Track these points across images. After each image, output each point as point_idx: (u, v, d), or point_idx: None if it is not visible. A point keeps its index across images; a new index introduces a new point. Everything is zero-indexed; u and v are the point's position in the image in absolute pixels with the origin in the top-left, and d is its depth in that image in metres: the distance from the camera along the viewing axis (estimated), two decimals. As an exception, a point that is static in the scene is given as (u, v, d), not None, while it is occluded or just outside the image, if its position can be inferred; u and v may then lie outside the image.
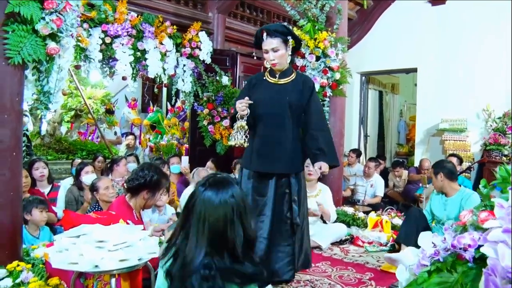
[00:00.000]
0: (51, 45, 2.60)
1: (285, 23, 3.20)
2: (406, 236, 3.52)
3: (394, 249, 3.89)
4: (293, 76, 3.07)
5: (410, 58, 7.57)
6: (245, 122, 2.88)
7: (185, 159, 5.55)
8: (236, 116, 2.90)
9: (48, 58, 2.67)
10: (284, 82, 3.05)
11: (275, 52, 2.93)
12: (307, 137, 3.06)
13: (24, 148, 3.20)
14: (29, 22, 2.48)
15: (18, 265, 2.47)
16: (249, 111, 2.89)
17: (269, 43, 2.93)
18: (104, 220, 2.24)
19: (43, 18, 2.53)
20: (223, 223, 1.48)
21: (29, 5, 2.43)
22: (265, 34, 2.93)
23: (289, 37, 2.97)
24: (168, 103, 8.69)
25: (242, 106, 2.86)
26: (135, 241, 1.91)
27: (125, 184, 2.85)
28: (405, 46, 7.59)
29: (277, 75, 3.07)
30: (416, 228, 3.37)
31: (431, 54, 7.28)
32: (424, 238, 1.76)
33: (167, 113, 8.58)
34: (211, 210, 1.48)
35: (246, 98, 2.92)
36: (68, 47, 2.81)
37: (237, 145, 2.91)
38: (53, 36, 2.62)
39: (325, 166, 2.93)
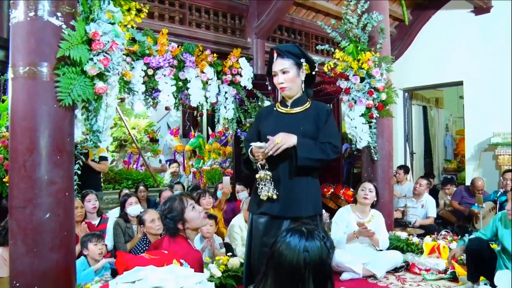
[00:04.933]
0: (99, 84, 2.62)
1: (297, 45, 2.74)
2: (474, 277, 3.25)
3: (455, 277, 3.68)
4: (307, 105, 2.67)
5: (455, 71, 7.34)
6: (268, 172, 2.50)
7: (226, 179, 5.49)
8: (257, 165, 2.52)
9: (96, 97, 2.70)
10: (297, 111, 2.65)
11: (284, 74, 2.58)
12: None
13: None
14: (78, 64, 2.52)
15: (73, 306, 2.47)
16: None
17: (279, 64, 2.59)
18: (157, 261, 2.20)
19: (91, 59, 2.56)
20: (293, 273, 1.41)
21: (78, 48, 2.47)
22: (275, 55, 2.62)
23: (302, 60, 2.62)
24: (209, 128, 8.75)
25: (260, 155, 2.48)
26: (192, 286, 1.85)
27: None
28: (449, 59, 7.38)
29: (289, 104, 2.68)
30: (481, 266, 3.11)
31: (477, 65, 7.03)
32: (502, 278, 1.62)
33: (208, 138, 8.63)
34: (285, 257, 1.43)
35: (258, 143, 2.50)
36: (115, 85, 2.84)
37: (266, 198, 2.51)
38: (101, 76, 2.65)
39: (285, 138, 2.44)
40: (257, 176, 2.53)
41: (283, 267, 1.42)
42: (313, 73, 2.70)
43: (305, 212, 2.54)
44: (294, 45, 2.74)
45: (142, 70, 4.22)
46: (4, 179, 3.74)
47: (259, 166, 2.52)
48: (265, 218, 2.58)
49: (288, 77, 2.59)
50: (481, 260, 3.13)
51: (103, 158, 5.23)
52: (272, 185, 2.51)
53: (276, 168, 2.56)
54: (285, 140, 2.45)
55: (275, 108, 2.75)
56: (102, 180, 6.28)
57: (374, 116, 4.45)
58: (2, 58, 4.10)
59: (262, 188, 2.52)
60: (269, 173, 2.50)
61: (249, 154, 2.58)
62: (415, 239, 4.46)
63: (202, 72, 4.65)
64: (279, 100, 2.83)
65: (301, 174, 2.55)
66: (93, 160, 5.00)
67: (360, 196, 4.03)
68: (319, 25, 4.70)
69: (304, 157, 2.48)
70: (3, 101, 3.93)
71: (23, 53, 2.47)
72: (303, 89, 2.68)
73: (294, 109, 2.66)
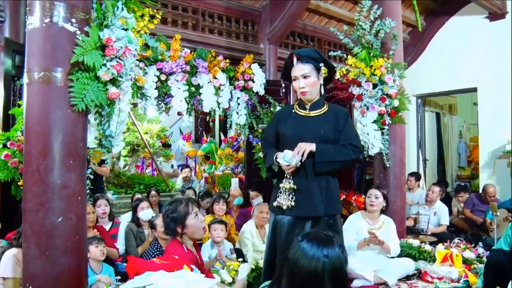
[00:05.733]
0: (112, 90, 2.65)
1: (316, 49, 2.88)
2: None
3: (468, 286, 3.63)
4: (325, 108, 2.78)
5: (468, 77, 7.27)
6: (294, 185, 2.64)
7: (234, 181, 5.52)
8: (285, 176, 2.66)
9: (109, 102, 2.72)
10: (316, 114, 2.76)
11: (305, 79, 2.68)
12: None
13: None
14: (92, 70, 2.55)
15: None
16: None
17: (300, 68, 2.69)
18: (167, 266, 2.21)
19: (104, 65, 2.59)
20: (312, 279, 1.42)
21: (92, 54, 2.50)
22: (295, 59, 2.70)
23: (321, 64, 2.71)
24: (221, 133, 8.77)
25: (290, 168, 2.60)
26: (201, 292, 1.85)
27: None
28: (463, 65, 7.31)
29: (308, 107, 2.79)
30: (499, 278, 3.04)
31: (491, 72, 6.95)
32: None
33: (220, 143, 8.65)
34: (302, 263, 1.45)
35: (286, 158, 2.60)
36: (127, 90, 2.87)
37: (285, 207, 2.66)
38: (114, 81, 2.67)
39: (305, 146, 2.58)
40: (281, 185, 2.67)
41: (299, 272, 1.44)
42: (335, 76, 2.92)
43: (324, 212, 2.66)
44: (313, 49, 2.83)
45: (155, 75, 4.25)
46: (19, 183, 3.79)
47: (286, 176, 2.66)
48: (288, 217, 2.69)
49: (309, 81, 2.69)
50: (500, 272, 3.07)
51: (103, 162, 5.24)
52: (294, 195, 2.64)
53: (298, 172, 2.67)
54: (305, 146, 2.58)
55: (293, 110, 2.85)
56: (111, 184, 6.34)
57: (387, 122, 4.41)
58: (18, 63, 4.16)
59: (283, 196, 2.66)
60: (294, 186, 2.64)
61: (274, 160, 2.68)
62: (428, 247, 4.40)
63: (215, 77, 4.67)
64: (292, 103, 2.89)
65: (320, 176, 2.67)
66: (94, 164, 5.02)
67: (367, 204, 4.02)
68: (332, 31, 4.70)
69: (322, 161, 2.62)
70: (19, 105, 3.98)
71: (38, 59, 2.51)
72: (322, 92, 2.80)
73: (313, 112, 2.77)
